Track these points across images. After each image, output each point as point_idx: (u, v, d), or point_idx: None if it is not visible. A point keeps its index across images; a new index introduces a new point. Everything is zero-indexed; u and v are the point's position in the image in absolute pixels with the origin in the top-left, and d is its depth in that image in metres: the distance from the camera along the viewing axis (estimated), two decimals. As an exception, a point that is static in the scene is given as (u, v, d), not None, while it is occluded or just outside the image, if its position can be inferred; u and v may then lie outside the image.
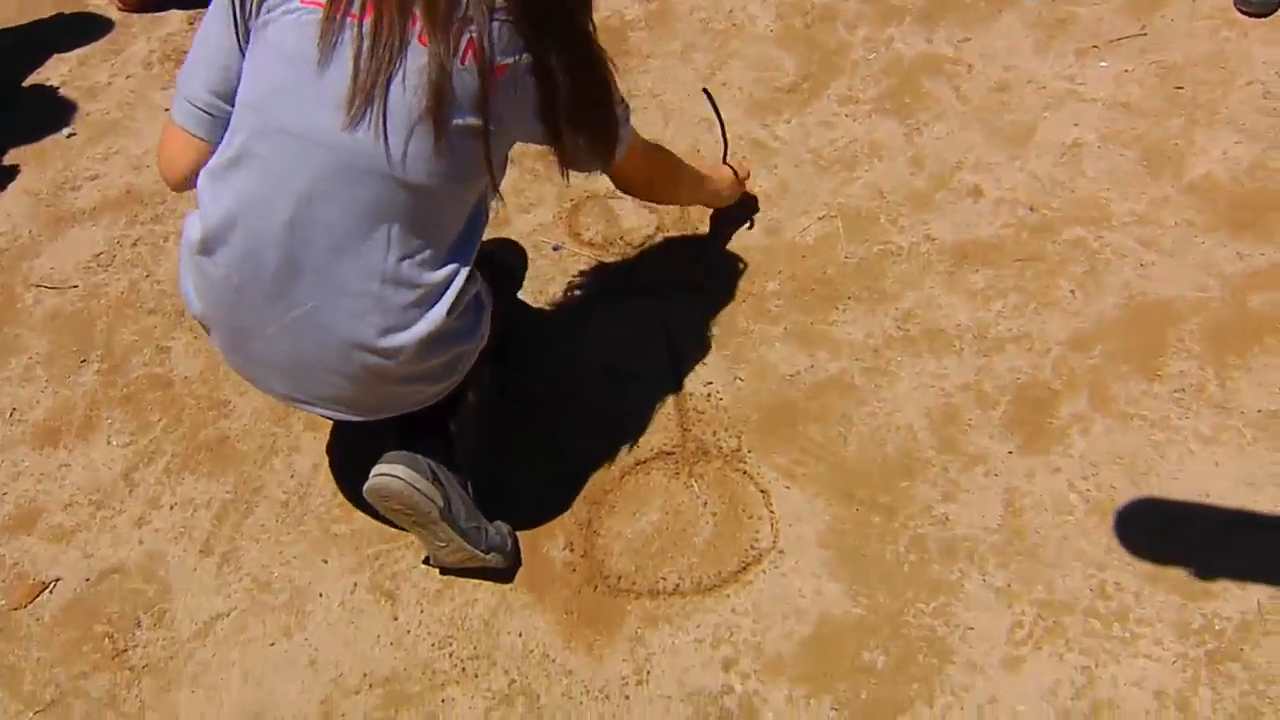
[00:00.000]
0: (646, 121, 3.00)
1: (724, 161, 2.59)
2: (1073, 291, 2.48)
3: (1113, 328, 2.40)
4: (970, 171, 2.77)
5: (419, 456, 1.92)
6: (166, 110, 3.21)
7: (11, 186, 3.01)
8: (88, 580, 2.20)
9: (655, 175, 2.22)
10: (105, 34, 3.52)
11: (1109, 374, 2.32)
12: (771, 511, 2.17)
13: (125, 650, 2.10)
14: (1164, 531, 2.07)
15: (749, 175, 2.67)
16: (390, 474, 1.87)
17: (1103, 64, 3.00)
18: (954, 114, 2.92)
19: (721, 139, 2.59)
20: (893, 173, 2.79)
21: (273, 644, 2.08)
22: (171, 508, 2.29)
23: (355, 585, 2.14)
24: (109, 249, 2.79)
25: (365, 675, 2.02)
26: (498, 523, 2.11)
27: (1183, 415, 2.24)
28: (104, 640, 2.11)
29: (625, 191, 2.20)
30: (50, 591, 2.19)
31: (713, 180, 2.50)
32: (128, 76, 3.37)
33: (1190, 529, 2.07)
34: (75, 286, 2.74)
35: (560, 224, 2.76)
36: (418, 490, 1.87)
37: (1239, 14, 3.07)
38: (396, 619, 2.09)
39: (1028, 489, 2.16)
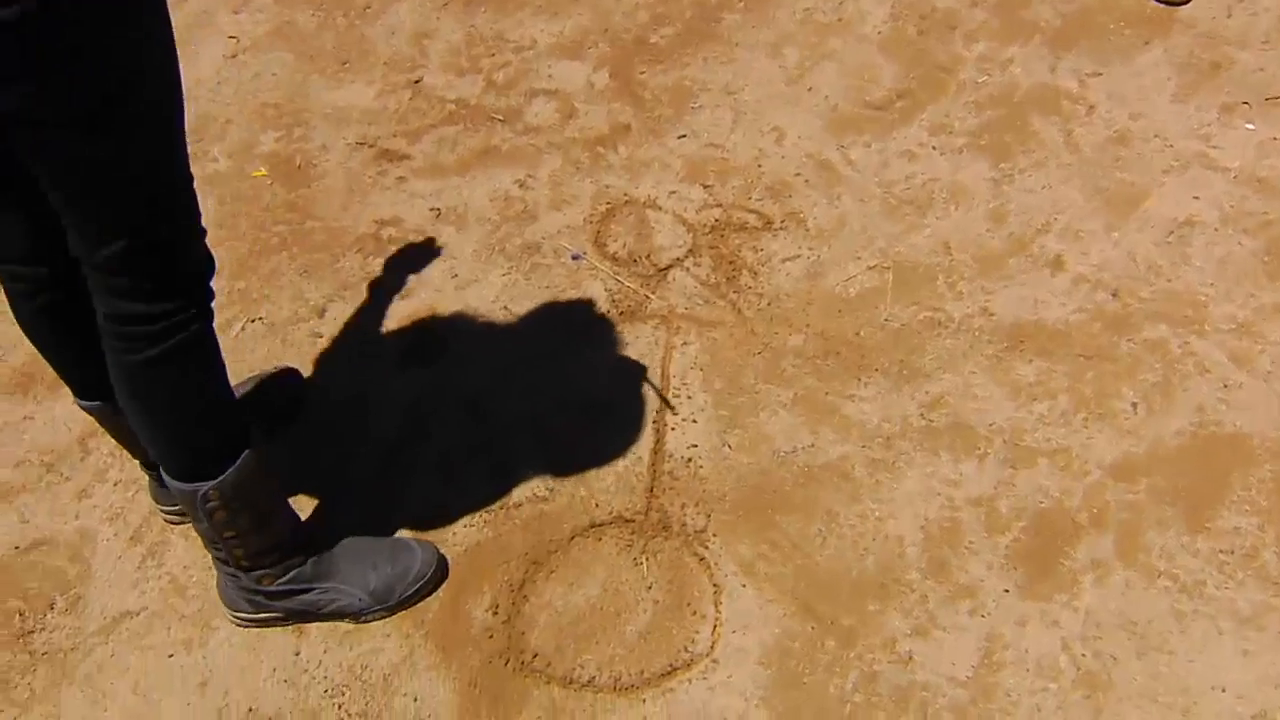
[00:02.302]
0: (713, 122, 2.73)
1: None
2: (1135, 405, 2.14)
3: (1169, 459, 2.07)
4: (1056, 238, 2.42)
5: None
6: (231, 37, 3.11)
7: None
8: (17, 548, 2.13)
9: None
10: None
11: (1148, 516, 2.00)
12: (718, 612, 1.94)
13: (32, 632, 2.02)
14: (1155, 729, 1.77)
15: None
16: None
17: (1249, 126, 2.59)
18: (1057, 164, 2.56)
19: None
20: (967, 225, 2.46)
21: (171, 655, 1.98)
22: (115, 484, 2.20)
23: (266, 609, 2.01)
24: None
25: (251, 710, 1.90)
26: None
27: (1222, 584, 1.91)
28: (14, 617, 2.04)
29: None
30: (-23, 554, 2.13)
31: None
32: None
33: (1187, 732, 1.77)
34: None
35: (588, 229, 2.53)
36: None
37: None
38: (298, 654, 1.96)
39: (1014, 640, 1.88)
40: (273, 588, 1.90)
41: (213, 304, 1.63)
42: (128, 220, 1.46)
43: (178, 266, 1.55)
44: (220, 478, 1.71)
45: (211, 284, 1.62)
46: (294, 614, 1.96)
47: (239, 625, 1.98)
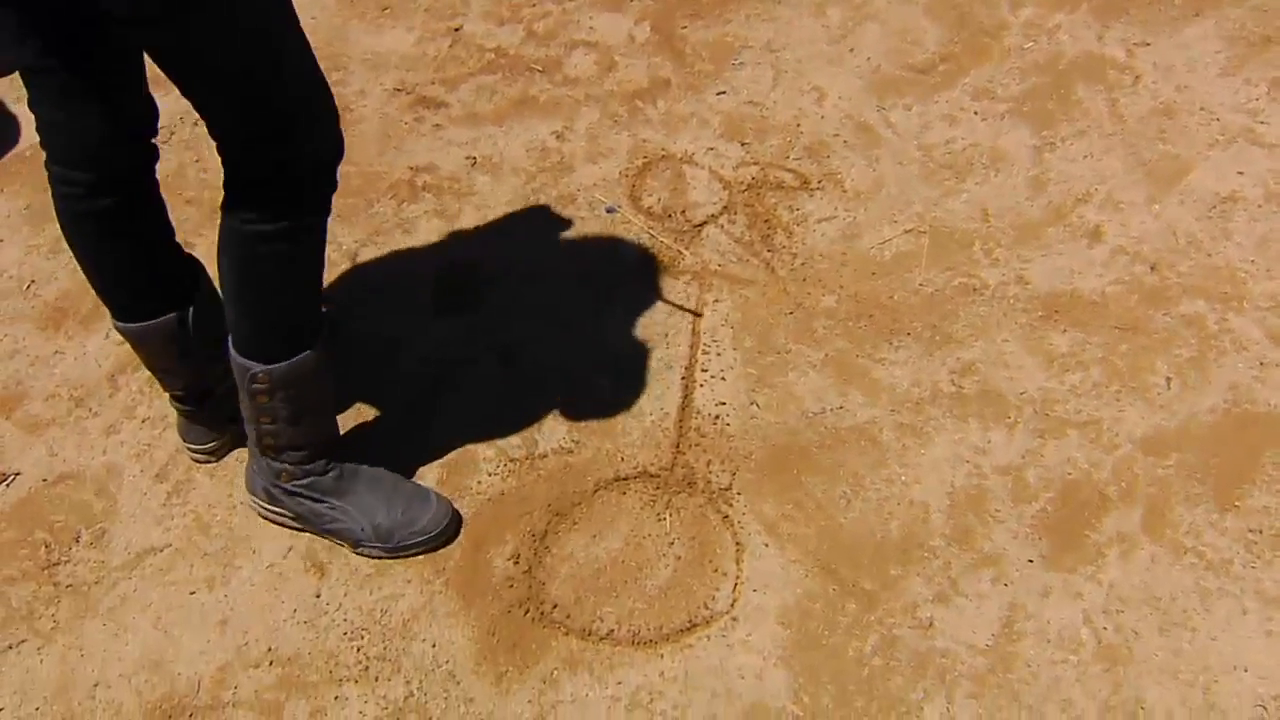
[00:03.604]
0: (753, 79, 2.70)
1: None
2: (1168, 380, 2.12)
3: (1201, 435, 2.04)
4: (1096, 208, 2.39)
5: None
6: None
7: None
8: (45, 481, 2.15)
9: None
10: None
11: (1177, 491, 1.98)
12: (740, 570, 1.94)
13: (57, 564, 2.04)
14: (1176, 702, 1.76)
15: None
16: None
17: (1299, 102, 2.54)
18: (1099, 133, 2.52)
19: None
20: (1006, 192, 2.43)
21: (193, 592, 1.99)
22: (144, 421, 2.21)
23: (290, 550, 2.02)
24: (170, 123, 2.69)
25: (270, 650, 1.92)
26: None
27: (1249, 563, 1.90)
28: (40, 549, 2.06)
29: None
30: (7, 485, 2.15)
31: None
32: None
33: (1208, 706, 1.75)
34: (127, 159, 2.65)
35: (624, 182, 2.52)
36: None
37: None
38: (319, 596, 1.97)
39: (1036, 610, 1.87)
40: (288, 485, 1.93)
41: (332, 197, 1.67)
42: (251, 105, 1.49)
43: (304, 150, 1.57)
44: (274, 365, 1.75)
45: (337, 175, 1.65)
46: (301, 519, 1.99)
47: (257, 512, 2.02)
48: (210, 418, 2.08)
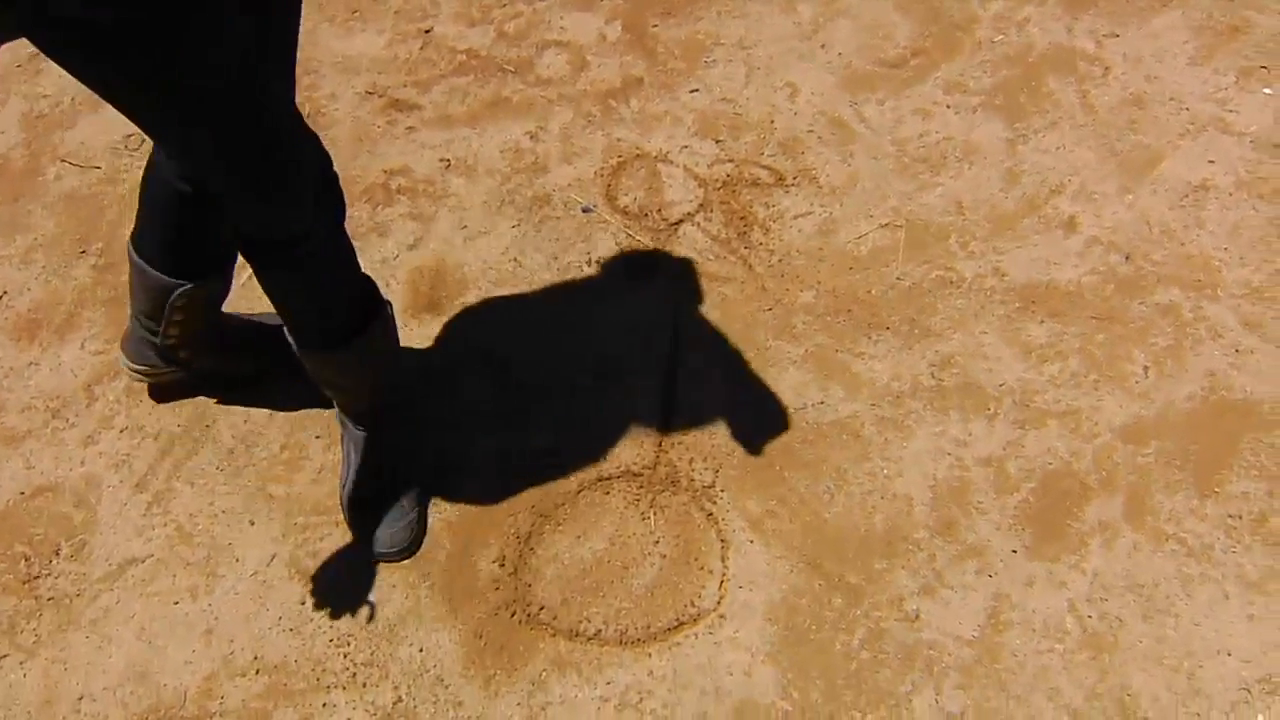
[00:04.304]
0: (726, 76, 2.70)
1: None
2: (1146, 369, 2.14)
3: (1179, 423, 2.06)
4: (1069, 199, 2.40)
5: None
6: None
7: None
8: (22, 494, 2.13)
9: None
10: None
11: (1157, 479, 2.00)
12: (725, 568, 1.94)
13: (37, 577, 2.02)
14: (1161, 688, 1.77)
15: None
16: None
17: (1266, 91, 2.56)
18: (1071, 125, 2.54)
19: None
20: (981, 185, 2.44)
21: (177, 602, 1.97)
22: (122, 431, 2.19)
23: (274, 557, 2.01)
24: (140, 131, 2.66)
25: (256, 658, 1.90)
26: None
27: (1229, 548, 1.92)
28: (20, 562, 2.04)
29: None
30: (-17, 498, 2.12)
31: None
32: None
33: (1193, 691, 1.77)
34: (98, 168, 2.63)
35: (599, 182, 2.51)
36: None
37: None
38: (304, 603, 1.96)
39: (1020, 600, 1.88)
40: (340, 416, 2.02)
41: (339, 208, 1.69)
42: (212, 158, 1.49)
43: (286, 184, 1.56)
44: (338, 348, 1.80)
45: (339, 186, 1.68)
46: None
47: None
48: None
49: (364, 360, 1.86)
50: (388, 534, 1.99)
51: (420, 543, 2.01)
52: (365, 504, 2.00)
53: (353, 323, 1.80)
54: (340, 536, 2.03)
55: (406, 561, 1.98)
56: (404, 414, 2.11)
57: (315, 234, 1.64)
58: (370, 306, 1.83)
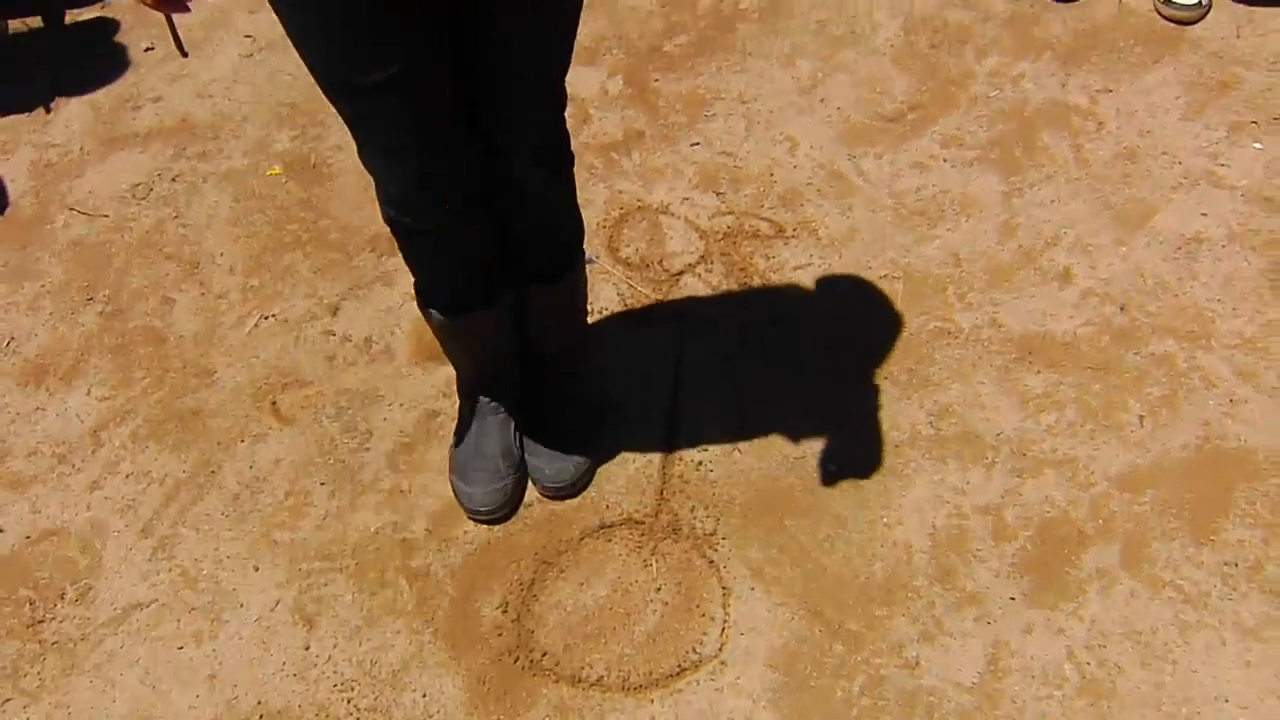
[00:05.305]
0: (726, 130, 2.75)
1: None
2: (1141, 419, 2.16)
3: (1174, 471, 2.09)
4: (1065, 251, 2.44)
5: None
6: (248, 36, 3.13)
7: (79, 98, 2.95)
8: (28, 538, 2.14)
9: None
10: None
11: (1153, 527, 2.02)
12: (727, 614, 1.96)
13: (42, 621, 2.03)
14: (1158, 738, 1.79)
15: None
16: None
17: (1257, 145, 2.61)
18: (1066, 179, 2.58)
19: None
20: (978, 237, 2.48)
21: (181, 648, 1.99)
22: (127, 477, 2.21)
23: (278, 603, 2.02)
24: (148, 180, 2.71)
25: (259, 703, 1.91)
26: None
27: (1226, 595, 1.93)
28: (25, 606, 2.05)
29: None
30: (-11, 542, 2.14)
31: None
32: (225, -5, 3.28)
33: (1190, 742, 1.78)
34: (106, 216, 2.67)
35: (601, 233, 2.55)
36: None
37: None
38: (308, 649, 1.97)
39: (1019, 647, 1.89)
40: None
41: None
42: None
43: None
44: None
45: None
46: None
47: None
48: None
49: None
50: (481, 493, 2.06)
51: (515, 508, 2.10)
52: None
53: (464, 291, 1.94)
54: (345, 583, 2.04)
55: (409, 608, 1.99)
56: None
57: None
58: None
